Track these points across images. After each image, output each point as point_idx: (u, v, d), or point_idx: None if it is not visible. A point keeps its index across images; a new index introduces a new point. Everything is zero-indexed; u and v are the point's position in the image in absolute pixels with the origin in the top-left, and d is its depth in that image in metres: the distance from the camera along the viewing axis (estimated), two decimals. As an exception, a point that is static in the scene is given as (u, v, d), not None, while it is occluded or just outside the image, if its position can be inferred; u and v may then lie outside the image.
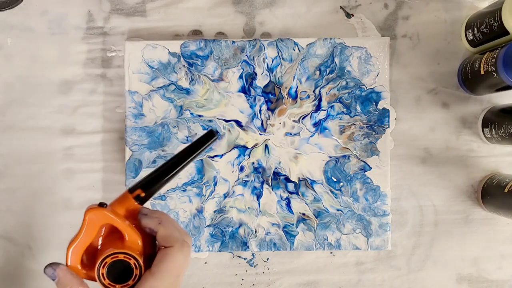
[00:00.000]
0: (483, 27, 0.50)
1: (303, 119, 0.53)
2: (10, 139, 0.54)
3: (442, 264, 0.56)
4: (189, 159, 0.38)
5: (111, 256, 0.36)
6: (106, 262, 0.36)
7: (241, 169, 0.53)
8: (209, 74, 0.53)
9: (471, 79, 0.52)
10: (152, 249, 0.38)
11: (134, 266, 0.36)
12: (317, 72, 0.53)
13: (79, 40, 0.54)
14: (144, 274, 0.36)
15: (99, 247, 0.38)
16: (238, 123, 0.53)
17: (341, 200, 0.53)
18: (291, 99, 0.53)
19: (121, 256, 0.36)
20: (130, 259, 0.36)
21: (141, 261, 0.36)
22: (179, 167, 0.38)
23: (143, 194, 0.37)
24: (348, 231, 0.54)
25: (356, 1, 0.55)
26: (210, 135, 0.38)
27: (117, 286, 0.36)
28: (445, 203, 0.55)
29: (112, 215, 0.36)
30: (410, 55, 0.55)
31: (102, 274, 0.36)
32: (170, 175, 0.38)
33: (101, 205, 0.37)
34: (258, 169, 0.54)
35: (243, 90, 0.53)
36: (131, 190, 0.37)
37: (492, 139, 0.53)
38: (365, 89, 0.53)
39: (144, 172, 0.53)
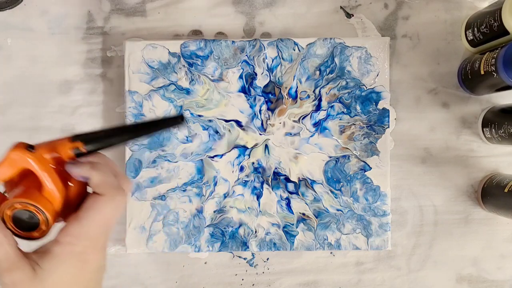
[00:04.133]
0: (483, 27, 0.50)
1: (303, 119, 0.53)
2: (10, 139, 0.54)
3: (442, 264, 0.56)
4: (148, 133, 0.35)
5: (21, 203, 0.32)
6: (14, 208, 0.32)
7: (241, 169, 0.53)
8: (209, 74, 0.53)
9: (471, 79, 0.52)
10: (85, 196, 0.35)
11: (42, 222, 0.33)
12: (317, 72, 0.53)
13: (79, 40, 0.54)
14: (70, 218, 0.33)
15: (16, 186, 0.34)
16: (238, 123, 0.53)
17: (341, 200, 0.53)
18: (291, 99, 0.53)
19: (31, 208, 0.32)
20: (39, 213, 0.32)
21: (51, 219, 0.33)
22: (135, 137, 0.35)
23: (83, 149, 0.33)
24: (348, 231, 0.54)
25: (356, 1, 0.55)
26: (178, 120, 0.35)
27: (22, 233, 0.33)
28: (445, 203, 0.55)
29: (35, 163, 0.32)
30: (410, 55, 0.55)
31: (9, 216, 0.33)
32: (121, 140, 0.35)
33: (30, 147, 0.33)
34: (258, 169, 0.54)
35: (243, 90, 0.53)
36: (73, 139, 0.33)
37: (492, 139, 0.53)
38: (365, 89, 0.53)
39: (144, 172, 0.53)
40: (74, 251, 0.33)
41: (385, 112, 0.53)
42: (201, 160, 0.53)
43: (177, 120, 0.35)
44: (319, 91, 0.53)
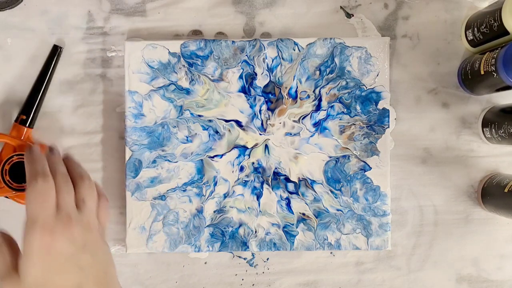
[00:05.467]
0: (483, 27, 0.50)
1: (303, 119, 0.53)
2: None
3: (442, 264, 0.56)
4: (47, 77, 0.52)
5: (18, 156, 0.47)
6: (12, 161, 0.47)
7: (241, 169, 0.53)
8: (209, 74, 0.53)
9: (471, 79, 0.52)
10: None
11: None
12: (317, 72, 0.53)
13: (79, 40, 0.54)
14: None
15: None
16: (238, 123, 0.53)
17: (341, 200, 0.53)
18: (291, 99, 0.53)
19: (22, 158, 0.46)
20: None
21: None
22: (43, 87, 0.52)
23: (24, 117, 0.51)
24: (348, 231, 0.54)
25: (356, 1, 0.55)
26: (54, 51, 0.52)
27: (13, 185, 0.47)
28: (445, 203, 0.55)
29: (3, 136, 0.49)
30: (410, 55, 0.55)
31: (6, 170, 0.47)
32: (38, 95, 0.51)
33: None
34: (258, 169, 0.54)
35: (243, 90, 0.53)
36: (16, 119, 0.51)
37: (492, 139, 0.53)
38: (365, 89, 0.53)
39: (144, 172, 0.53)
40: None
41: (385, 112, 0.53)
42: (201, 160, 0.53)
43: (54, 53, 0.52)
44: (319, 91, 0.53)
